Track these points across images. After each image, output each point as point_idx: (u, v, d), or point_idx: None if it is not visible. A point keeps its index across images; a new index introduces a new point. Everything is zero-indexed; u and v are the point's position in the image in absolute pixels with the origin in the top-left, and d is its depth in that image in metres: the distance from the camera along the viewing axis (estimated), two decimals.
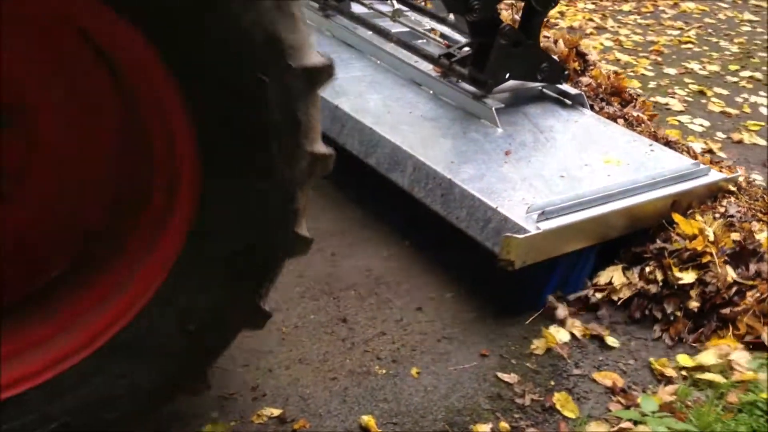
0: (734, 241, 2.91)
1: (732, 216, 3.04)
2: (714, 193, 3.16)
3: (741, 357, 2.66)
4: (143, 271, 1.95)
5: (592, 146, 3.33)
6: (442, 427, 2.42)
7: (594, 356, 2.78)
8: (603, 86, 4.14)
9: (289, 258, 2.00)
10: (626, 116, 3.82)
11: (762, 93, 5.31)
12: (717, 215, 3.04)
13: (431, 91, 3.70)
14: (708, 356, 2.66)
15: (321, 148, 1.88)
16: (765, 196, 3.21)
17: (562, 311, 2.92)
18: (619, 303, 2.95)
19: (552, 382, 2.64)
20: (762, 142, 4.57)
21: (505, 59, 3.36)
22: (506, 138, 3.32)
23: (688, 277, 2.82)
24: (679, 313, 2.83)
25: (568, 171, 3.11)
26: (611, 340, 2.84)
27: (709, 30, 6.70)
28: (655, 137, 3.56)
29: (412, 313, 2.93)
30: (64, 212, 2.11)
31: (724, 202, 3.12)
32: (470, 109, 3.52)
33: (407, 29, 4.11)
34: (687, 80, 5.48)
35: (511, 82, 3.51)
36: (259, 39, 1.63)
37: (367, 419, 2.41)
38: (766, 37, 6.63)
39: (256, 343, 2.67)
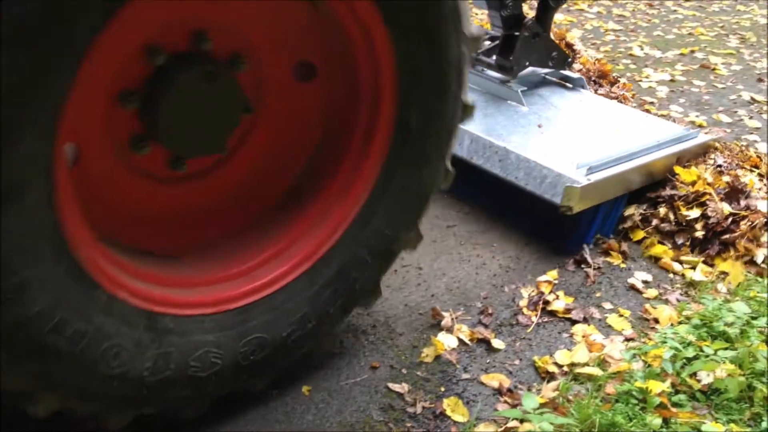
0: (726, 182, 3.65)
1: (720, 166, 3.80)
2: (705, 151, 3.90)
3: (614, 349, 2.81)
4: (343, 204, 2.40)
5: (602, 119, 4.01)
6: None
7: (481, 359, 2.86)
8: (591, 71, 5.03)
9: (441, 188, 2.54)
10: (615, 95, 4.80)
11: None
12: (709, 166, 3.79)
13: None
14: (582, 352, 2.79)
15: (468, 100, 2.42)
16: (743, 150, 4.14)
17: (448, 318, 2.99)
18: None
19: (442, 388, 2.69)
20: None
21: (527, 49, 4.04)
22: (533, 115, 3.96)
23: (693, 213, 3.55)
24: (687, 244, 3.55)
25: (593, 138, 3.77)
26: (497, 343, 2.93)
27: (577, 38, 7.06)
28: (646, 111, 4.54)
29: None
30: (279, 153, 2.47)
31: (713, 156, 3.88)
32: (498, 92, 4.12)
33: None
34: None
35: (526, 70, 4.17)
36: (451, 6, 2.15)
37: None
38: (628, 44, 7.08)
39: None
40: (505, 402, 2.63)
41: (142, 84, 2.02)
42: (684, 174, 3.67)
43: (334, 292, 2.42)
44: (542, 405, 2.51)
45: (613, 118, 4.01)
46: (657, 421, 2.42)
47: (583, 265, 3.45)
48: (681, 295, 3.29)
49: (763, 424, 2.45)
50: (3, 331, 1.74)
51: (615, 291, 3.31)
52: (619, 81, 5.15)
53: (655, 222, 3.64)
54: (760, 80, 6.30)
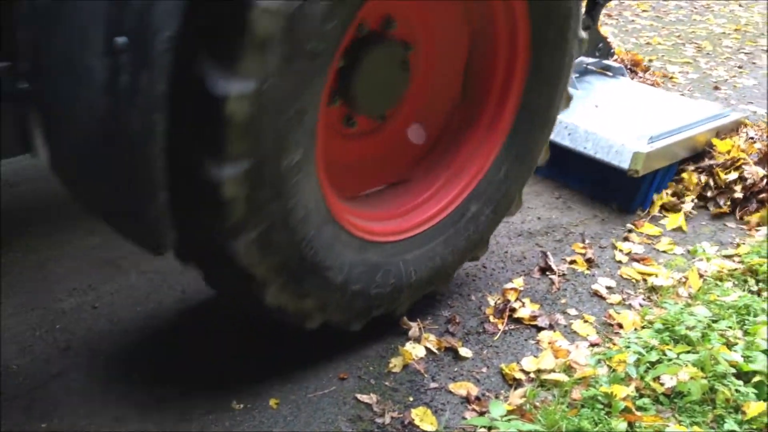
0: (758, 149, 4.25)
1: (752, 137, 4.43)
2: (738, 126, 4.48)
3: (579, 354, 2.84)
4: (479, 157, 2.93)
5: (647, 100, 4.53)
6: None
7: (449, 368, 2.87)
8: (625, 60, 5.66)
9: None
10: (650, 81, 5.55)
11: None
12: (742, 138, 4.36)
13: None
14: (548, 359, 2.82)
15: (583, 35, 2.96)
16: None
17: (416, 329, 2.99)
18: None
19: (410, 398, 2.69)
20: None
21: None
22: (588, 98, 4.41)
23: (732, 175, 4.11)
24: (727, 204, 4.11)
25: (643, 116, 4.24)
26: (465, 351, 2.94)
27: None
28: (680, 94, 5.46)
29: (268, 341, 2.90)
30: (427, 114, 3.01)
31: (744, 131, 4.48)
32: None
33: None
34: None
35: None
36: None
37: None
38: None
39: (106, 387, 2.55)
40: (473, 410, 2.64)
41: (347, 48, 2.46)
42: (720, 145, 4.24)
43: (463, 237, 2.95)
44: (509, 412, 2.53)
45: (656, 100, 4.57)
46: (622, 426, 2.45)
47: (548, 272, 3.49)
48: (644, 300, 3.34)
49: (726, 426, 2.49)
50: (297, 270, 2.34)
51: (579, 297, 3.35)
52: (650, 69, 6.04)
53: (691, 190, 4.24)
54: (716, 88, 6.45)
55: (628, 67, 5.52)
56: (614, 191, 4.10)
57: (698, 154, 4.28)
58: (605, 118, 4.15)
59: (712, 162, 4.21)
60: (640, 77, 5.63)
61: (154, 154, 1.91)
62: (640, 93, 4.67)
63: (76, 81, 1.91)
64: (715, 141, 4.26)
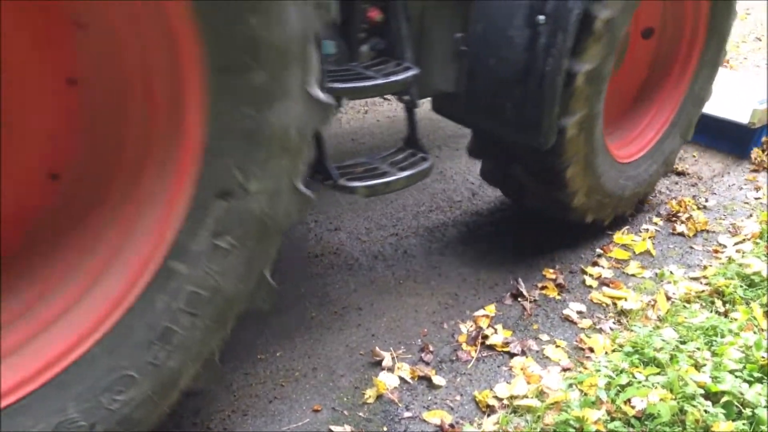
0: None
1: None
2: None
3: (551, 379, 2.87)
4: (672, 100, 4.21)
5: (737, 79, 5.78)
6: None
7: (423, 396, 2.88)
8: None
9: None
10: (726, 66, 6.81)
11: None
12: None
13: None
14: (521, 385, 2.84)
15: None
16: None
17: (389, 358, 3.00)
18: None
19: (384, 428, 2.70)
20: None
21: None
22: None
23: None
24: None
25: (743, 89, 5.35)
26: (438, 379, 2.95)
27: None
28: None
29: (242, 376, 2.90)
30: (633, 69, 4.23)
31: None
32: None
33: None
34: None
35: None
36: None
37: None
38: None
39: None
40: None
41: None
42: None
43: (663, 158, 4.26)
44: None
45: (748, 78, 5.91)
46: None
47: (519, 299, 3.53)
48: (614, 323, 3.38)
49: None
50: (591, 182, 3.65)
51: (551, 322, 3.39)
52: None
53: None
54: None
55: None
56: (733, 142, 5.29)
57: None
58: (721, 91, 4.98)
59: None
60: None
61: (557, 84, 3.11)
62: (733, 74, 6.13)
63: (502, 45, 3.17)
64: None
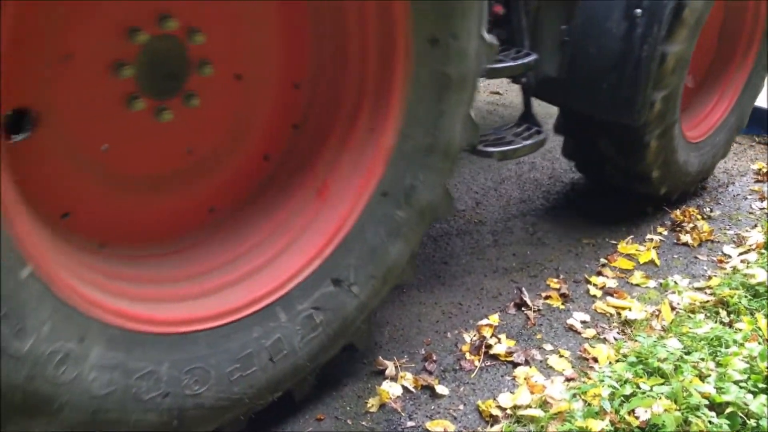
0: None
1: None
2: None
3: (555, 389, 2.86)
4: (738, 79, 4.71)
5: None
6: None
7: (426, 406, 2.87)
8: None
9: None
10: None
11: None
12: None
13: None
14: (524, 395, 2.84)
15: None
16: None
17: (392, 368, 3.00)
18: None
19: None
20: None
21: None
22: None
23: None
24: None
25: None
26: (441, 389, 2.95)
27: None
28: None
29: None
30: (704, 50, 4.53)
31: None
32: None
33: None
34: None
35: None
36: None
37: None
38: None
39: None
40: None
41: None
42: None
43: (727, 136, 4.78)
44: None
45: None
46: None
47: (523, 308, 3.53)
48: (618, 333, 3.38)
49: None
50: (666, 156, 4.21)
51: (555, 332, 3.38)
52: None
53: None
54: None
55: None
56: None
57: None
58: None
59: None
60: None
61: (652, 68, 3.69)
62: None
63: (601, 35, 3.76)
64: None
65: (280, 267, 2.50)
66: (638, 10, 3.65)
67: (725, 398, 2.69)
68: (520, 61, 3.37)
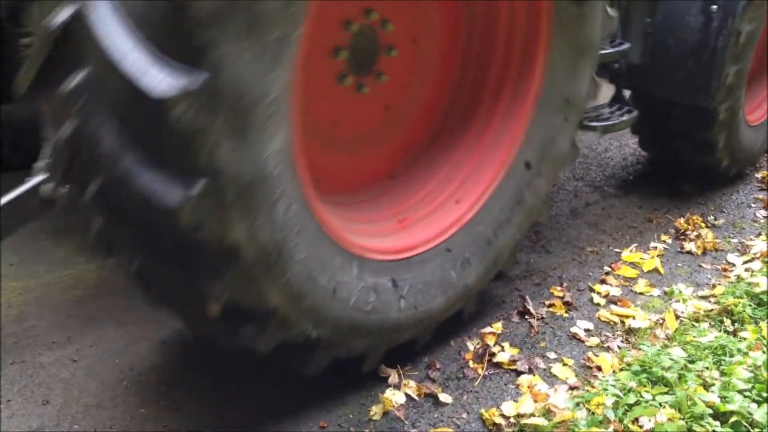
0: None
1: None
2: None
3: (558, 398, 2.85)
4: None
5: None
6: None
7: (429, 414, 2.87)
8: None
9: None
10: None
11: None
12: None
13: None
14: (528, 403, 2.83)
15: None
16: None
17: (395, 376, 3.00)
18: None
19: None
20: None
21: None
22: None
23: None
24: None
25: None
26: (444, 397, 2.95)
27: None
28: None
29: (249, 393, 2.90)
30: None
31: None
32: None
33: None
34: None
35: None
36: None
37: None
38: None
39: None
40: None
41: None
42: None
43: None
44: None
45: None
46: None
47: (526, 316, 3.52)
48: (622, 342, 3.37)
49: None
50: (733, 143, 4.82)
51: (558, 340, 3.38)
52: None
53: None
54: None
55: None
56: None
57: None
58: None
59: None
60: None
61: (726, 57, 4.27)
62: None
63: (680, 28, 4.35)
64: None
65: (463, 199, 3.13)
66: (714, 6, 4.26)
67: (729, 407, 2.68)
68: (617, 48, 3.98)
